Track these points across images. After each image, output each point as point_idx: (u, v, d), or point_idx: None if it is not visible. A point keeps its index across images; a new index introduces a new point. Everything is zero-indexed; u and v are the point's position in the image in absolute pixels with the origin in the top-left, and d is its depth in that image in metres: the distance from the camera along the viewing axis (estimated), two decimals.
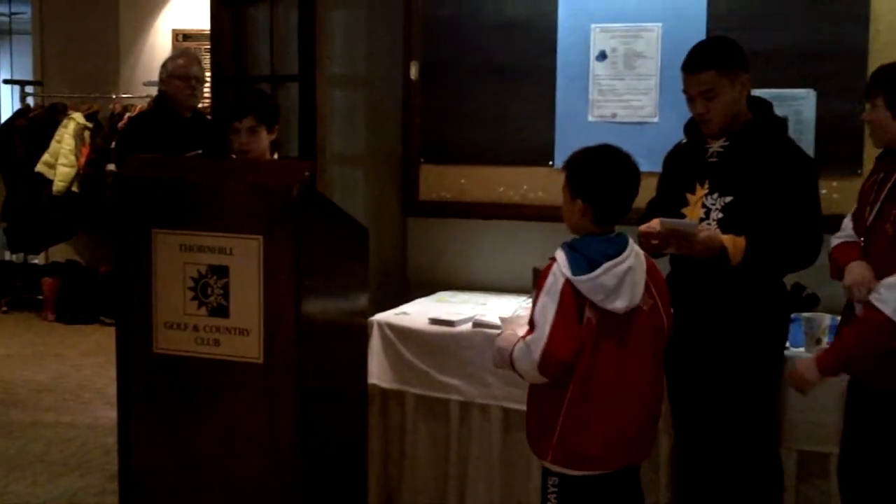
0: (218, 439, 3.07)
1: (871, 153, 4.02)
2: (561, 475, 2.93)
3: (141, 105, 8.18)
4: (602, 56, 4.45)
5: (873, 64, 4.03)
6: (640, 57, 4.39)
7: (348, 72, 4.92)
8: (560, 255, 2.88)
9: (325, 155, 4.49)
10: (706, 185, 3.44)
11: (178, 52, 5.02)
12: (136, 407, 3.16)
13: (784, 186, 3.34)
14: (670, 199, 3.50)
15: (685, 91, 3.44)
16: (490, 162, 4.68)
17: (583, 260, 2.83)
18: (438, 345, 3.98)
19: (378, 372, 4.06)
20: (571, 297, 2.81)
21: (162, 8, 9.07)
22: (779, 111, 3.61)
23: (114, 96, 8.66)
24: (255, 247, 2.97)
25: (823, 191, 3.65)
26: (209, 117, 5.37)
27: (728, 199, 3.40)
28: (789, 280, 3.55)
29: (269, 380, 3.00)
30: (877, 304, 2.95)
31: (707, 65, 3.37)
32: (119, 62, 8.96)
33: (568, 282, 2.82)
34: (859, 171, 4.04)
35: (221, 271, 3.02)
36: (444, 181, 4.75)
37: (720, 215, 3.40)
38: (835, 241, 3.23)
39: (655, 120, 4.39)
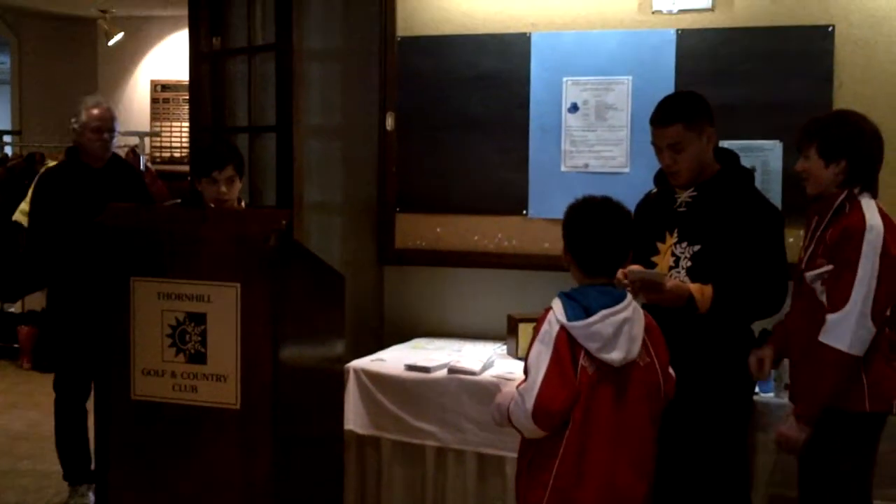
0: (195, 485, 3.08)
1: None
2: None
3: (120, 154, 8.21)
4: (574, 108, 4.55)
5: None
6: (611, 109, 4.49)
7: (325, 122, 4.99)
8: (556, 303, 2.85)
9: (302, 204, 4.54)
10: (675, 234, 3.52)
11: (92, 102, 4.93)
12: (114, 453, 3.18)
13: (750, 236, 3.43)
14: (642, 247, 3.58)
15: (654, 143, 3.53)
16: (465, 211, 4.75)
17: (579, 308, 2.81)
18: (414, 391, 4.02)
19: (354, 418, 4.09)
20: (566, 345, 2.78)
21: (141, 59, 9.15)
22: (746, 162, 3.71)
23: None
24: (233, 294, 3.01)
25: (790, 239, 3.75)
26: (127, 161, 5.30)
27: (696, 247, 3.48)
28: (757, 326, 3.63)
29: (246, 426, 3.02)
30: (830, 343, 3.10)
31: (674, 119, 3.47)
32: None
33: (563, 329, 2.79)
34: None
35: (199, 318, 3.06)
36: (419, 230, 4.81)
37: (689, 263, 3.48)
38: None
39: (626, 170, 4.48)
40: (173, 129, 9.14)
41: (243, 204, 4.22)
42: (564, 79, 4.57)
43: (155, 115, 9.26)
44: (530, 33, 4.61)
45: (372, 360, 4.26)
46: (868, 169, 3.25)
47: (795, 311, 3.38)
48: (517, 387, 2.89)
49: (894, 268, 3.13)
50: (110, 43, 9.07)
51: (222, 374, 3.04)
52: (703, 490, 3.48)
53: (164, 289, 3.09)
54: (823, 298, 3.21)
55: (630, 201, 4.32)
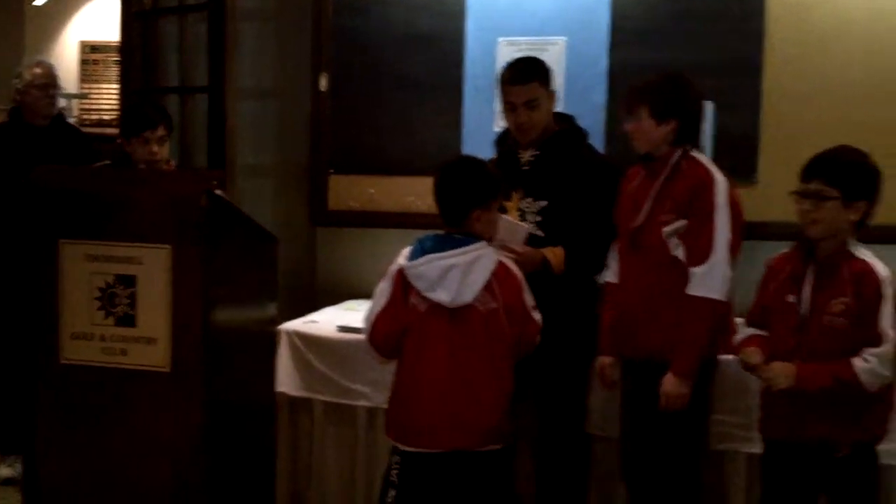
0: (125, 449, 3.06)
1: (766, 162, 4.22)
2: (402, 452, 3.16)
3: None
4: None
5: (768, 78, 4.21)
6: None
7: (257, 83, 4.93)
8: (407, 248, 3.16)
9: (235, 166, 4.49)
10: (521, 192, 3.65)
11: (33, 62, 4.94)
12: (42, 418, 3.14)
13: (592, 191, 3.60)
14: None
15: (508, 101, 3.64)
16: (398, 172, 4.74)
17: (418, 250, 3.12)
18: (346, 352, 4.02)
19: (286, 380, 4.08)
20: (400, 283, 3.12)
21: (69, 19, 8.95)
22: None
23: None
24: (164, 256, 2.97)
25: None
26: (72, 123, 5.31)
27: (543, 203, 3.63)
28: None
29: (177, 388, 3.00)
30: (702, 294, 3.24)
31: (532, 77, 3.62)
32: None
33: (400, 269, 3.12)
34: (754, 179, 4.20)
35: (129, 281, 3.02)
36: (352, 191, 4.79)
37: (538, 218, 3.63)
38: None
39: None
40: (102, 91, 8.95)
41: (172, 164, 4.18)
42: (499, 39, 4.56)
43: (84, 77, 9.07)
44: None
45: (304, 322, 4.25)
46: (695, 128, 3.44)
47: (632, 269, 3.46)
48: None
49: (738, 217, 3.32)
50: (37, 2, 8.87)
51: (152, 337, 3.01)
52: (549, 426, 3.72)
53: (93, 251, 3.05)
54: (678, 252, 3.31)
55: None
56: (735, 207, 3.31)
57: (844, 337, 2.95)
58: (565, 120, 3.79)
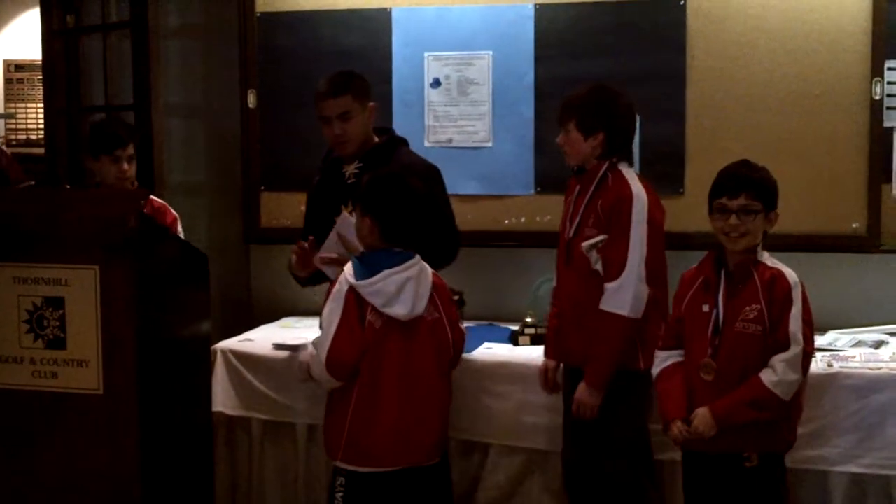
0: (59, 474, 3.03)
1: (692, 173, 4.29)
2: (347, 473, 3.14)
3: None
4: (436, 83, 4.58)
5: (691, 87, 4.29)
6: (473, 84, 4.53)
7: (185, 101, 4.92)
8: (348, 266, 3.13)
9: (164, 184, 4.47)
10: (350, 205, 3.62)
11: None
12: None
13: None
14: (320, 226, 3.65)
15: (322, 115, 3.70)
16: None
17: (366, 269, 3.09)
18: (283, 370, 4.00)
19: (223, 399, 4.06)
20: (354, 303, 3.08)
21: None
22: None
23: None
24: (92, 277, 2.95)
25: None
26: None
27: None
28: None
29: (110, 411, 2.98)
30: (611, 310, 3.31)
31: (344, 90, 3.67)
32: None
33: (352, 288, 3.08)
34: (681, 191, 4.27)
35: (57, 303, 2.99)
36: (284, 208, 4.78)
37: None
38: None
39: (489, 144, 4.53)
40: (28, 110, 8.84)
41: (136, 183, 4.12)
42: (426, 54, 4.58)
43: (9, 97, 8.96)
44: (391, 8, 4.61)
45: (239, 341, 4.23)
46: (623, 140, 3.48)
47: (565, 278, 3.54)
48: (312, 341, 3.20)
49: (658, 233, 3.39)
50: None
51: (83, 360, 2.98)
52: None
53: (20, 273, 3.02)
54: (598, 267, 3.38)
55: (494, 174, 4.48)
56: (655, 224, 3.36)
57: (759, 342, 3.03)
58: (385, 132, 3.87)
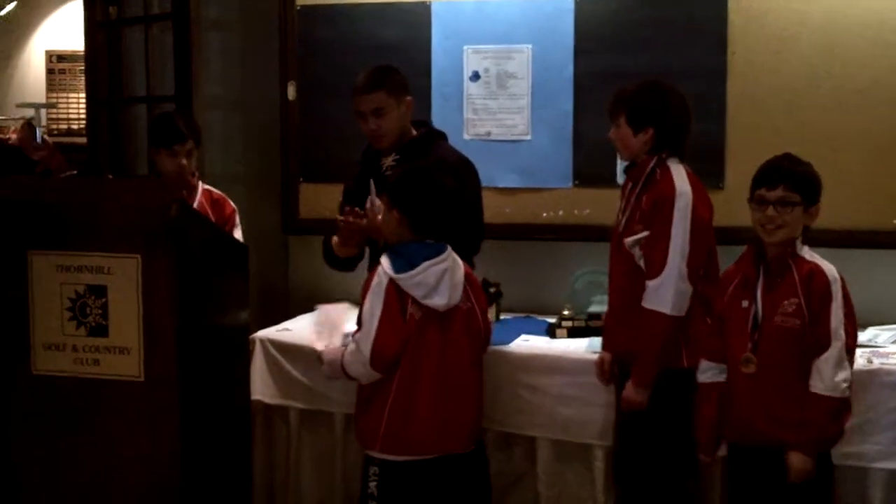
0: (100, 458, 3.08)
1: (733, 168, 4.27)
2: (382, 462, 3.19)
3: (14, 126, 8.02)
4: (475, 76, 4.58)
5: (732, 82, 4.27)
6: (512, 77, 4.52)
7: (225, 93, 4.95)
8: (384, 259, 3.16)
9: (204, 174, 4.50)
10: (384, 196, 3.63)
11: None
12: (16, 429, 3.15)
13: None
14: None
15: (358, 110, 3.74)
16: None
17: (404, 261, 3.13)
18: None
19: (261, 388, 4.08)
20: (395, 295, 3.11)
21: (35, 29, 8.92)
22: None
23: None
24: (134, 265, 2.99)
25: None
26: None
27: None
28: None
29: (150, 397, 3.03)
30: (653, 307, 3.27)
31: (377, 86, 3.71)
32: None
33: (391, 281, 3.11)
34: (721, 186, 4.25)
35: (100, 291, 3.04)
36: (322, 199, 4.80)
37: None
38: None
39: (528, 137, 4.53)
40: (70, 100, 8.91)
41: (197, 176, 4.15)
42: (465, 47, 4.59)
43: (51, 87, 9.02)
44: (430, 1, 4.62)
45: (278, 330, 4.26)
46: (675, 136, 3.43)
47: (615, 272, 3.52)
48: (352, 335, 3.21)
49: (705, 229, 3.35)
50: (2, 13, 8.83)
51: (125, 347, 3.03)
52: None
53: (63, 261, 3.06)
54: (642, 263, 3.36)
55: (532, 167, 4.47)
56: (700, 221, 3.32)
57: (798, 336, 3.02)
58: (423, 124, 3.90)
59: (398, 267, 3.11)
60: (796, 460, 3.00)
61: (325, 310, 3.56)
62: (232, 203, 4.16)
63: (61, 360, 3.08)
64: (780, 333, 3.04)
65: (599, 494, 3.74)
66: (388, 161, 3.78)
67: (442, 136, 3.90)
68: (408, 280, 3.10)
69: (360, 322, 3.19)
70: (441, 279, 3.12)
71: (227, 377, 3.37)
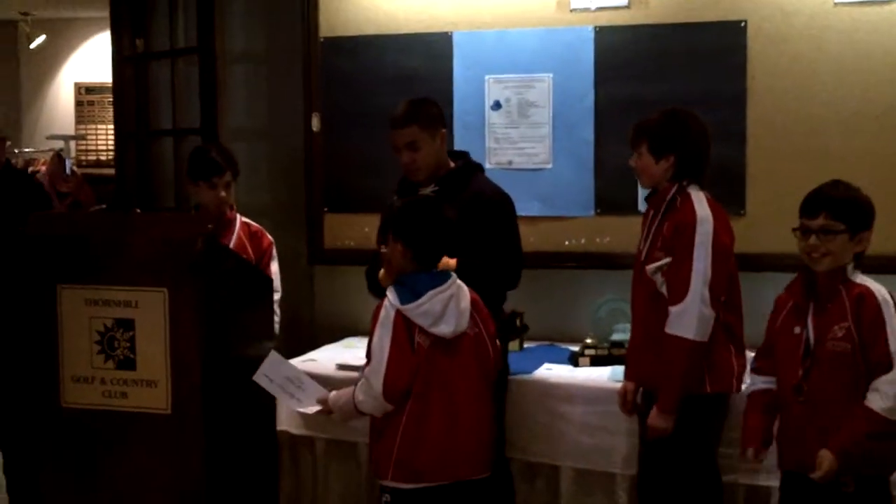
0: (128, 491, 3.11)
1: (754, 194, 4.29)
2: (392, 490, 3.17)
3: (44, 158, 8.12)
4: (497, 106, 4.62)
5: (752, 109, 4.29)
6: (533, 106, 4.56)
7: (250, 124, 5.01)
8: (390, 292, 3.17)
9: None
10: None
11: None
12: (45, 461, 3.19)
13: (480, 219, 3.64)
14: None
15: (393, 144, 3.75)
16: None
17: (409, 292, 3.13)
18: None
19: (287, 418, 4.12)
20: (402, 326, 3.11)
21: (64, 61, 9.06)
22: None
23: (16, 151, 8.57)
24: (161, 299, 3.03)
25: None
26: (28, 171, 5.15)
27: None
28: (507, 308, 3.87)
29: (178, 431, 3.05)
30: (677, 333, 3.29)
31: (410, 121, 3.72)
32: (21, 116, 8.90)
33: (398, 312, 3.11)
34: (742, 212, 4.26)
35: (127, 324, 3.08)
36: (347, 229, 4.84)
37: None
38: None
39: (549, 166, 4.56)
40: (98, 132, 9.06)
41: (234, 208, 4.21)
42: (487, 77, 4.63)
43: (80, 119, 9.16)
44: (452, 32, 4.67)
45: (303, 361, 4.29)
46: (696, 163, 3.45)
47: (638, 299, 3.54)
48: (362, 370, 3.20)
49: (726, 255, 3.35)
50: (32, 46, 8.96)
51: (152, 380, 3.06)
52: None
53: (91, 295, 3.11)
54: (664, 290, 3.37)
55: (554, 196, 4.49)
56: (721, 248, 3.32)
57: (848, 361, 2.96)
58: (461, 156, 3.92)
59: (404, 298, 3.12)
60: (824, 457, 2.92)
61: (267, 373, 3.30)
62: (269, 236, 4.21)
63: (90, 393, 3.12)
64: (832, 358, 2.98)
65: None
66: (427, 192, 3.77)
67: (479, 169, 3.93)
68: (414, 310, 3.11)
69: (369, 355, 3.18)
70: (447, 307, 3.14)
71: (253, 408, 3.39)
